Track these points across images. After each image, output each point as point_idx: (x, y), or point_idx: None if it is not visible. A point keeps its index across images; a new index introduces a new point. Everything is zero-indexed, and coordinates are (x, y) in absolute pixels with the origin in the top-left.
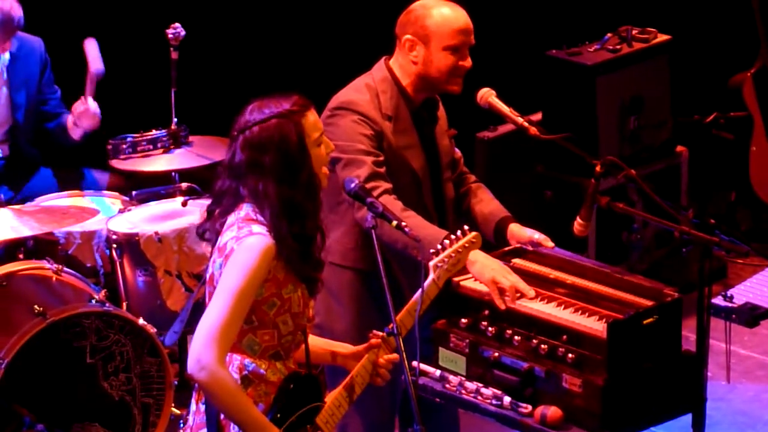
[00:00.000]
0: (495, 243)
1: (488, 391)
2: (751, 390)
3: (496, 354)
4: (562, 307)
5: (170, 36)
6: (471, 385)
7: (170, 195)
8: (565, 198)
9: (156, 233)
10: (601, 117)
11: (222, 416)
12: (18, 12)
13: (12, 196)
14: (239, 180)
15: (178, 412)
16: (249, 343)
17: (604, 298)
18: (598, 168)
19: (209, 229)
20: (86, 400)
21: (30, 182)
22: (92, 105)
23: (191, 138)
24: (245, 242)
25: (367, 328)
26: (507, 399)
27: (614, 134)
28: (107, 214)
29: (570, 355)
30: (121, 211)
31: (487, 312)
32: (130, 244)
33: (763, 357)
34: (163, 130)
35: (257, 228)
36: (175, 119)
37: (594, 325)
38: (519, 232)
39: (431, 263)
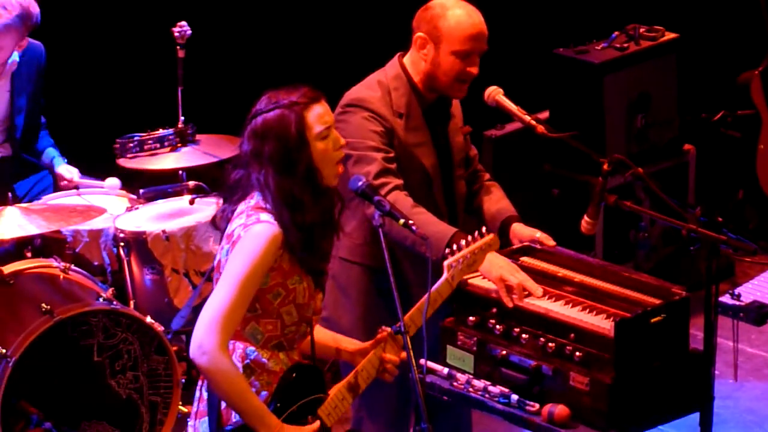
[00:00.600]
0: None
1: (496, 389)
2: (758, 388)
3: (504, 352)
4: (570, 305)
5: (177, 34)
6: (478, 383)
7: (178, 193)
8: (572, 196)
9: (163, 231)
10: (608, 115)
11: (223, 405)
12: (36, 9)
13: (21, 196)
14: (247, 169)
15: (185, 410)
16: (252, 332)
17: (612, 297)
18: (605, 166)
19: (221, 217)
20: (93, 399)
21: (32, 183)
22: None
23: (198, 136)
24: (252, 230)
25: (375, 323)
26: (514, 397)
27: (621, 132)
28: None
29: (577, 354)
30: (128, 210)
31: (494, 310)
32: (137, 243)
33: None
34: (170, 129)
35: (265, 216)
36: (182, 118)
37: (601, 323)
38: (521, 231)
39: (446, 263)
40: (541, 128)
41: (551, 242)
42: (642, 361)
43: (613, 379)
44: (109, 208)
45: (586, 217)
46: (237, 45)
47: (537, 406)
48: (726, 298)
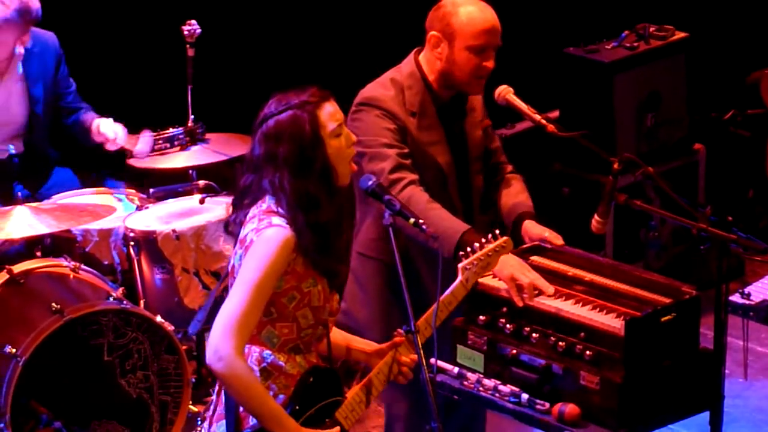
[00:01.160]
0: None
1: (506, 389)
2: None
3: (514, 351)
4: (581, 304)
5: (186, 33)
6: (489, 383)
7: (187, 192)
8: (582, 195)
9: (173, 231)
10: (618, 114)
11: (241, 409)
12: (36, 4)
13: (29, 195)
14: (259, 173)
15: (195, 409)
16: (268, 335)
17: (622, 296)
18: (615, 165)
19: (233, 222)
20: (103, 398)
21: (47, 182)
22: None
23: (208, 135)
24: (264, 234)
25: (391, 318)
26: (525, 396)
27: (631, 132)
28: (128, 211)
29: (588, 353)
30: (138, 209)
31: (505, 309)
32: (147, 242)
33: None
34: (180, 128)
35: (277, 220)
36: (192, 116)
37: (612, 322)
38: (532, 229)
39: (460, 265)
40: (551, 127)
41: (559, 241)
42: (652, 360)
43: (623, 378)
44: (119, 208)
45: (596, 216)
46: (247, 43)
47: (547, 405)
48: (736, 297)
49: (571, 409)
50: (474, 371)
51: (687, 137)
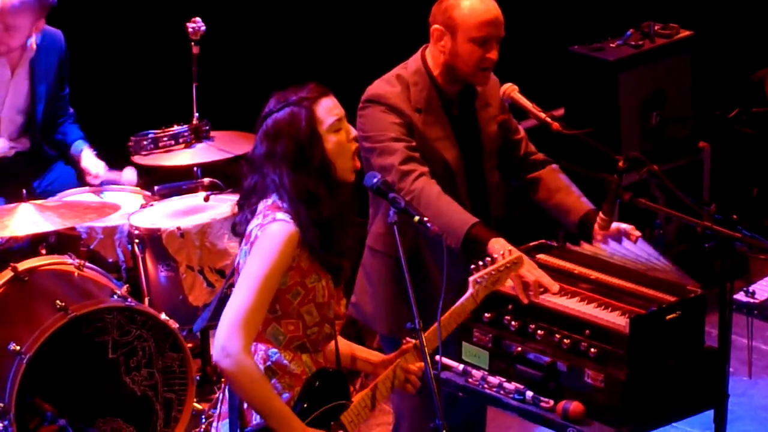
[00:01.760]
0: (578, 235)
1: (510, 386)
2: None
3: (519, 348)
4: (586, 302)
5: (191, 31)
6: (493, 380)
7: (192, 190)
8: (587, 193)
9: (178, 228)
10: (623, 113)
11: (245, 406)
12: None
13: (33, 191)
14: (261, 172)
15: (200, 407)
16: (273, 333)
17: (627, 294)
18: (620, 163)
19: (240, 223)
20: (108, 395)
21: (47, 177)
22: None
23: (213, 133)
24: (268, 229)
25: (398, 311)
26: (529, 393)
27: (636, 130)
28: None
29: (592, 350)
30: (143, 207)
31: (510, 306)
32: (152, 240)
33: None
34: (185, 126)
35: (281, 215)
36: (197, 114)
37: (617, 320)
38: (606, 226)
39: (471, 278)
40: (556, 125)
41: (637, 232)
42: (657, 358)
43: (627, 376)
44: (123, 205)
45: (601, 214)
46: (252, 41)
47: (552, 402)
48: (740, 296)
49: (575, 406)
50: (479, 368)
51: (692, 135)
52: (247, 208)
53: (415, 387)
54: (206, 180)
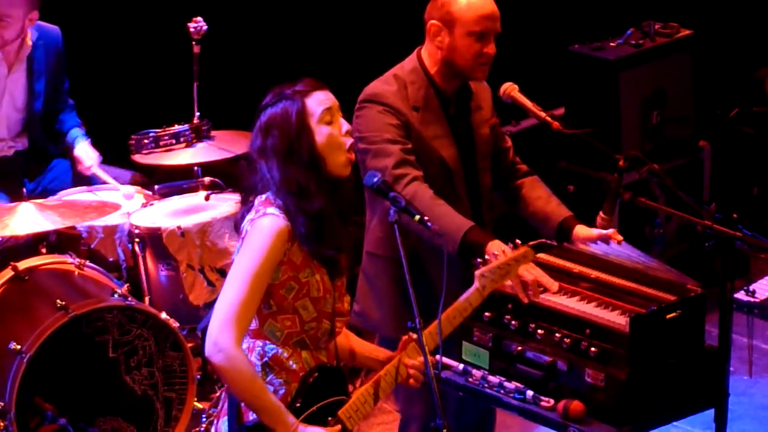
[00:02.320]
0: (556, 242)
1: (511, 385)
2: None
3: (519, 348)
4: (586, 301)
5: (192, 30)
6: (494, 379)
7: (193, 189)
8: (587, 193)
9: (178, 227)
10: (623, 112)
11: (243, 403)
12: None
13: (32, 189)
14: (256, 167)
15: (200, 406)
16: (270, 329)
17: (628, 293)
18: (621, 163)
19: (239, 220)
20: (108, 395)
21: (48, 175)
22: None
23: (213, 132)
24: (257, 223)
25: (403, 315)
26: (530, 393)
27: (637, 129)
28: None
29: (593, 349)
30: (143, 206)
31: (510, 306)
32: (152, 239)
33: None
34: (186, 125)
35: (271, 210)
36: (198, 113)
37: (617, 319)
38: (586, 233)
39: (477, 272)
40: (556, 125)
41: (619, 237)
42: (657, 357)
43: (627, 375)
44: (124, 205)
45: (601, 214)
46: (253, 40)
47: (552, 401)
48: (741, 295)
49: (575, 405)
50: (479, 368)
51: (692, 135)
52: (246, 205)
53: (417, 382)
54: (207, 179)
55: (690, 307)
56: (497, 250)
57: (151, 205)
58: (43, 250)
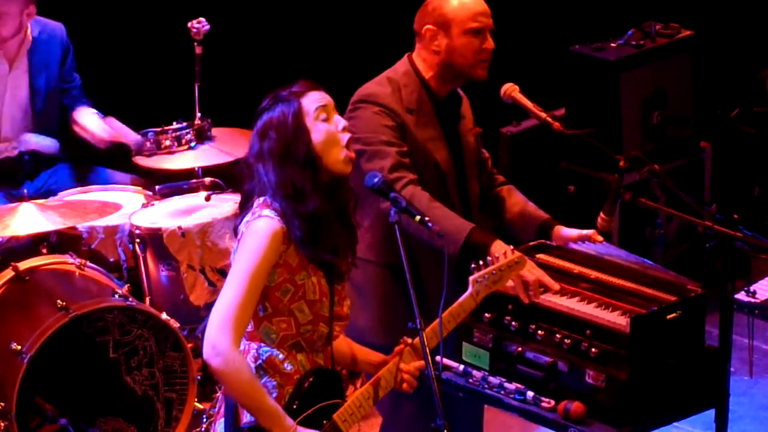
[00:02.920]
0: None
1: (511, 386)
2: None
3: (520, 348)
4: (586, 301)
5: (194, 30)
6: (494, 380)
7: (193, 190)
8: (588, 193)
9: (179, 228)
10: (624, 112)
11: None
12: None
13: (34, 190)
14: (253, 171)
15: (201, 406)
16: (266, 331)
17: (628, 293)
18: (621, 163)
19: (238, 223)
20: (109, 395)
21: (49, 177)
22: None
23: (214, 133)
24: (253, 225)
25: (393, 322)
26: (530, 394)
27: (637, 129)
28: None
29: (593, 350)
30: (144, 206)
31: (510, 306)
32: (153, 239)
33: None
34: (187, 126)
35: (267, 212)
36: (199, 114)
37: (617, 319)
38: (566, 233)
39: (471, 278)
40: (557, 125)
41: (599, 238)
42: (657, 357)
43: (628, 376)
44: (125, 205)
45: (602, 214)
46: (254, 41)
47: (552, 402)
48: (741, 295)
49: (576, 406)
50: (479, 369)
51: (693, 135)
52: (244, 208)
53: (411, 387)
54: (207, 179)
55: (690, 307)
56: (501, 250)
57: (152, 205)
58: (44, 251)
